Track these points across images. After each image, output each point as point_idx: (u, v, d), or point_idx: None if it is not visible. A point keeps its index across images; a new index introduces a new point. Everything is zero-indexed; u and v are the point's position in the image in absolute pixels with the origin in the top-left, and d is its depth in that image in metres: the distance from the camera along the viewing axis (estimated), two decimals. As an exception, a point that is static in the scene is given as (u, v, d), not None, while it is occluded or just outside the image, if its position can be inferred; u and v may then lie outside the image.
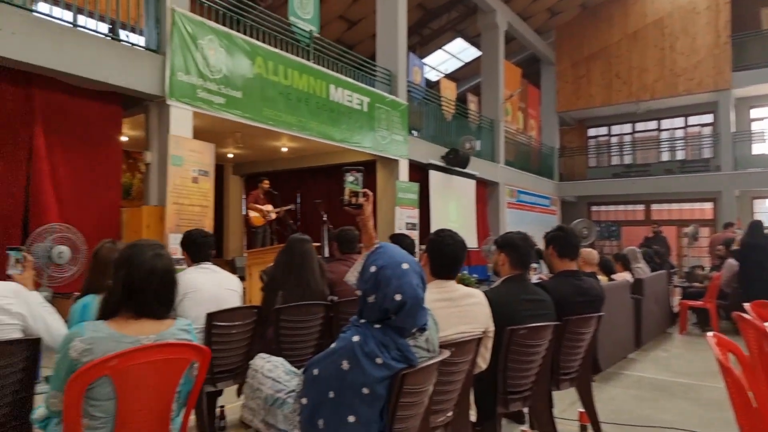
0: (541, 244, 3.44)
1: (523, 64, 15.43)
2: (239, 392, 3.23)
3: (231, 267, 8.68)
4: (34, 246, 4.33)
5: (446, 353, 1.75)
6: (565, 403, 3.63)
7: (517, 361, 2.47)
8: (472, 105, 12.18)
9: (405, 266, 1.56)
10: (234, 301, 3.03)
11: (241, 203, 11.60)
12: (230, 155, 10.14)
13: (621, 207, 16.00)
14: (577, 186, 15.71)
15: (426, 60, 15.29)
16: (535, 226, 12.07)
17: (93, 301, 2.42)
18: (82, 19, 5.26)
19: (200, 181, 6.00)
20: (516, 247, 2.63)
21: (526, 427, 3.19)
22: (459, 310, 2.15)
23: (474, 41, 15.39)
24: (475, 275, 9.69)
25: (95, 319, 1.61)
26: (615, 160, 16.36)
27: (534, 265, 5.42)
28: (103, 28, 5.60)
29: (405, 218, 9.16)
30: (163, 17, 5.67)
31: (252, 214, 8.93)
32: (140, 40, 5.86)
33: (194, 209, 5.92)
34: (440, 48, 15.99)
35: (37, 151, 5.03)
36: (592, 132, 17.18)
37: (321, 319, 3.27)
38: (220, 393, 3.22)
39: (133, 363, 1.49)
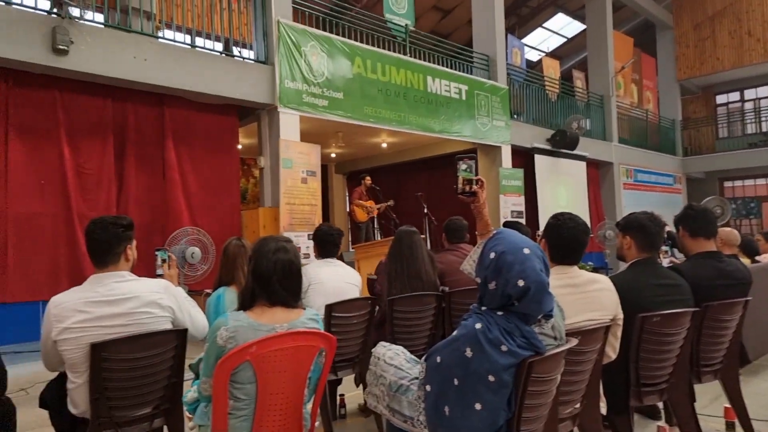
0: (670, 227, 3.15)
1: (634, 33, 14.20)
2: (357, 382, 3.36)
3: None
4: (171, 248, 4.84)
5: (574, 341, 1.66)
6: (707, 398, 3.29)
7: (650, 350, 2.28)
8: (579, 82, 11.47)
9: (526, 251, 1.50)
10: (354, 294, 3.17)
11: (345, 200, 12.02)
12: (333, 155, 10.53)
13: (761, 180, 14.15)
14: (705, 160, 14.16)
15: (525, 40, 14.65)
16: (658, 208, 11.01)
17: (224, 292, 2.66)
18: (200, 41, 5.75)
19: (309, 181, 6.30)
20: (643, 228, 2.43)
21: (662, 423, 2.94)
22: (584, 297, 2.03)
23: (577, 14, 14.46)
24: (590, 263, 9.17)
25: (234, 308, 1.76)
26: (751, 129, 14.51)
27: (664, 248, 4.97)
28: (218, 47, 6.09)
29: (510, 206, 8.88)
30: (270, 30, 6.03)
31: (356, 210, 9.20)
32: (250, 54, 6.29)
33: (304, 208, 6.23)
34: (540, 26, 15.24)
35: (168, 163, 5.62)
36: (721, 99, 15.39)
37: (433, 309, 3.27)
38: (339, 382, 3.37)
39: (269, 349, 1.61)
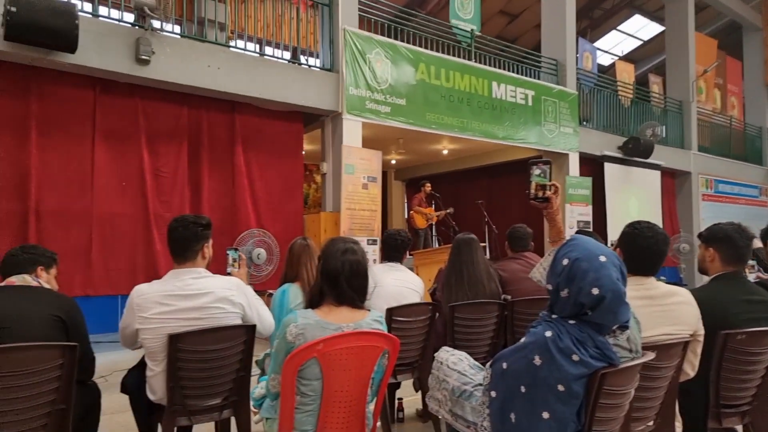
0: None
1: (719, 35, 13.34)
2: (416, 387, 3.34)
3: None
4: (239, 248, 5.04)
5: (650, 355, 1.57)
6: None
7: (733, 370, 2.13)
8: (656, 87, 10.90)
9: (602, 258, 1.44)
10: (414, 299, 3.19)
11: (404, 207, 12.04)
12: (393, 161, 10.58)
13: None
14: (797, 172, 13.04)
15: (597, 43, 14.11)
16: (741, 221, 10.26)
17: (289, 288, 2.75)
18: (269, 50, 5.98)
19: (369, 187, 6.37)
20: (729, 240, 2.26)
21: (744, 449, 2.72)
22: (662, 309, 1.92)
23: (656, 15, 13.78)
24: (663, 277, 8.66)
25: (297, 303, 1.81)
26: None
27: (750, 263, 4.60)
28: (286, 55, 6.30)
29: (576, 216, 8.57)
30: (335, 38, 6.17)
31: (415, 216, 9.19)
32: (317, 62, 6.47)
33: (364, 214, 6.30)
34: (614, 29, 14.65)
35: (238, 168, 5.85)
36: (814, 105, 14.11)
37: (495, 317, 3.21)
38: (398, 385, 3.37)
39: (335, 348, 1.64)
